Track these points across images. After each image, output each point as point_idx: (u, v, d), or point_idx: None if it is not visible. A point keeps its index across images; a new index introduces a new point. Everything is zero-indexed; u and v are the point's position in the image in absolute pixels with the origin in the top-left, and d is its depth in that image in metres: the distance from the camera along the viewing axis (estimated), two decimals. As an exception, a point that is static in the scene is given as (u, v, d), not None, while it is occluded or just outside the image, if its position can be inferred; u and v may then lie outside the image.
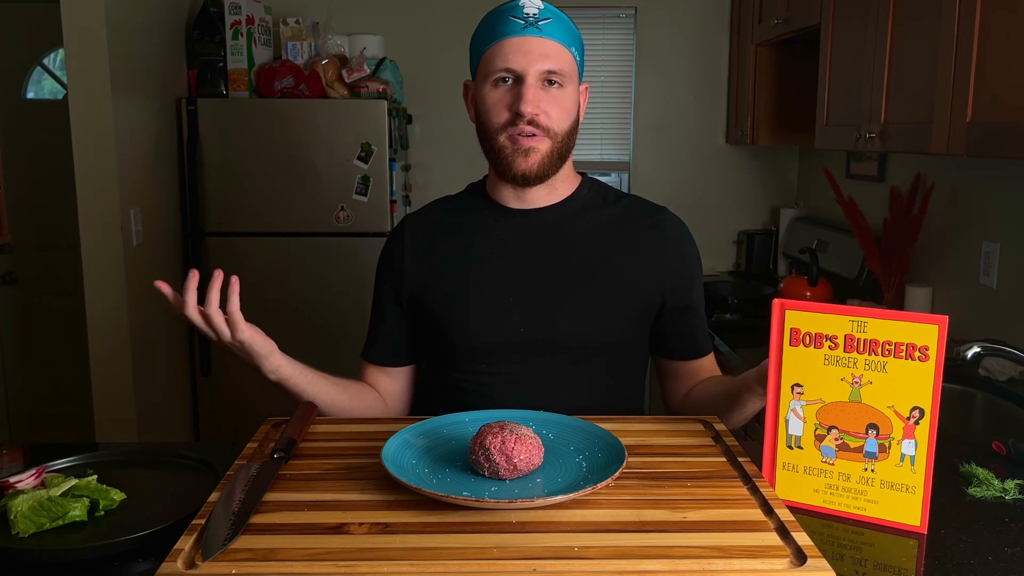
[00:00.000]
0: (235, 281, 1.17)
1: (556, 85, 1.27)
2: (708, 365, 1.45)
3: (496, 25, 1.28)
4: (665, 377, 1.47)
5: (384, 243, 1.47)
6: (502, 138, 1.28)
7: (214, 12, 3.09)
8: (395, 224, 3.05)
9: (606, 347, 1.35)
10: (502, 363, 1.33)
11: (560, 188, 1.37)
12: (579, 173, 1.42)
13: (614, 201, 1.40)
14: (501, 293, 1.33)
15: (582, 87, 1.35)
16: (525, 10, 1.26)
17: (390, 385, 1.45)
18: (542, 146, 1.27)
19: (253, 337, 1.20)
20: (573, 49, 1.30)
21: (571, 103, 1.30)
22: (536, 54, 1.25)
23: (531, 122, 1.25)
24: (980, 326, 2.18)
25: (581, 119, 1.35)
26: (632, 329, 1.37)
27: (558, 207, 1.37)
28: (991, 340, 1.50)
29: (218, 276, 1.17)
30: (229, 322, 1.18)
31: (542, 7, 1.28)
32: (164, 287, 1.18)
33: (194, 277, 1.17)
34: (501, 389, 1.33)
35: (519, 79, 1.25)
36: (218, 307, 1.17)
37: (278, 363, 1.25)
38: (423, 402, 1.48)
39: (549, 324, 1.31)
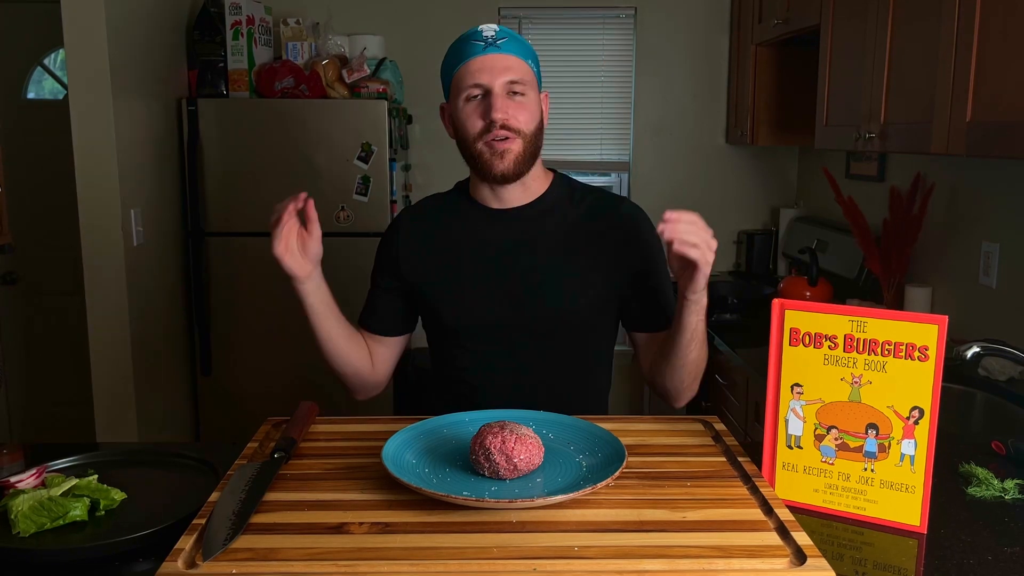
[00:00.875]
0: (304, 216, 1.35)
1: (519, 94, 1.43)
2: None
3: (461, 50, 1.47)
4: (638, 348, 1.57)
5: (383, 236, 1.62)
6: (480, 145, 1.44)
7: (214, 12, 3.09)
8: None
9: (577, 326, 1.49)
10: (485, 343, 1.49)
11: (533, 186, 1.52)
12: (550, 170, 1.57)
13: (580, 199, 1.54)
14: (485, 282, 1.48)
15: (542, 95, 1.50)
16: (484, 34, 1.45)
17: (381, 352, 1.59)
18: (514, 146, 1.43)
19: (283, 254, 1.36)
20: (530, 61, 1.48)
21: (535, 107, 1.46)
22: (499, 68, 1.42)
23: (503, 127, 1.41)
24: (980, 326, 2.18)
25: (545, 124, 1.50)
26: (599, 309, 1.51)
27: (530, 207, 1.51)
28: (991, 340, 1.50)
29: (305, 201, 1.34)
30: (286, 235, 1.34)
31: (498, 29, 1.46)
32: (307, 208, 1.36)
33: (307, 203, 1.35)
34: (488, 365, 1.49)
35: (487, 92, 1.42)
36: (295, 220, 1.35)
37: (306, 290, 1.46)
38: (423, 383, 1.58)
39: (527, 307, 1.46)
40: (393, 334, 1.59)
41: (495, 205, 1.52)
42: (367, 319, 1.60)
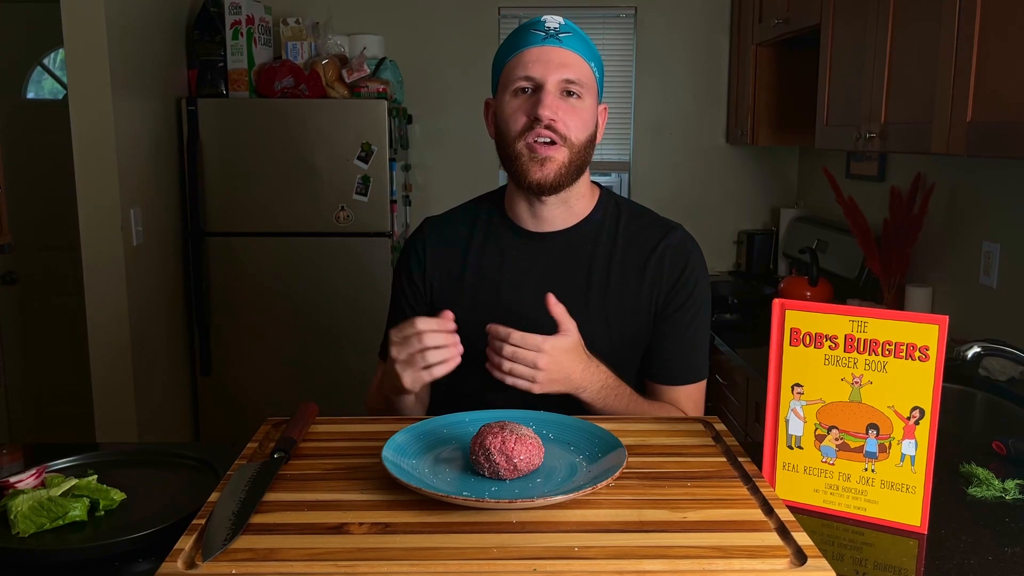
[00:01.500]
0: (455, 360, 1.19)
1: (575, 96, 1.28)
2: (675, 397, 1.39)
3: (518, 38, 1.31)
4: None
5: (404, 247, 1.48)
6: (520, 144, 1.28)
7: (214, 12, 3.09)
8: (397, 223, 3.00)
9: (615, 369, 1.34)
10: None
11: (576, 206, 1.37)
12: (595, 184, 1.42)
13: (626, 224, 1.39)
14: (515, 314, 1.33)
15: (601, 107, 1.36)
16: (547, 24, 1.29)
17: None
18: (559, 155, 1.28)
19: (416, 388, 1.22)
20: (592, 64, 1.32)
21: (589, 115, 1.31)
22: (556, 63, 1.27)
23: (548, 127, 1.26)
24: (980, 326, 2.18)
25: (599, 139, 1.35)
26: (637, 347, 1.38)
27: (572, 232, 1.37)
28: (991, 340, 1.50)
29: (452, 349, 1.18)
30: (418, 372, 1.19)
31: (563, 22, 1.30)
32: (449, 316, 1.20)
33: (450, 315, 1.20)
34: (510, 405, 1.34)
35: (538, 87, 1.27)
36: (434, 356, 1.18)
37: (408, 396, 1.30)
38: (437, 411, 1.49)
39: None
40: None
41: (533, 227, 1.37)
42: None
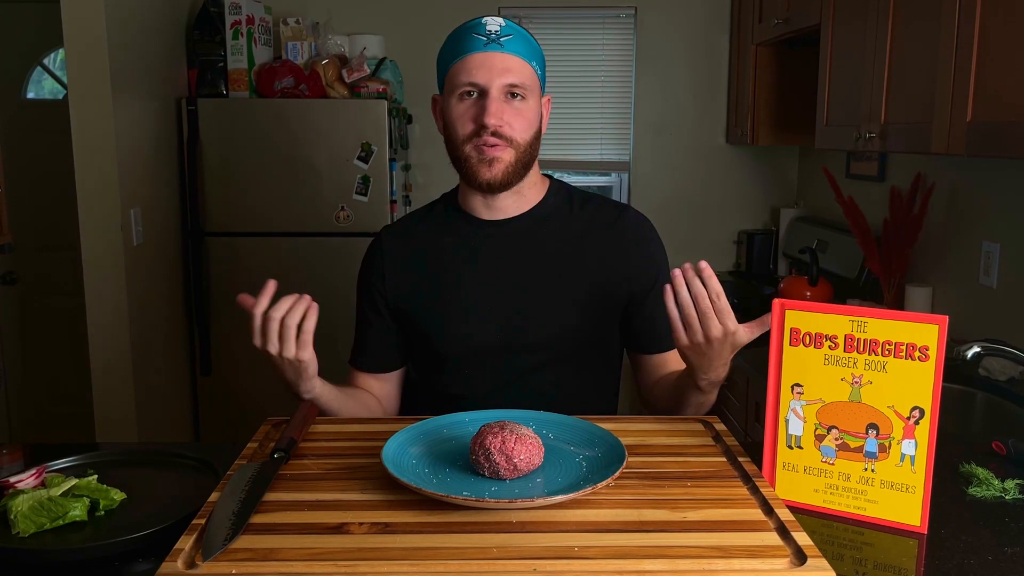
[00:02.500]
0: (314, 307, 1.21)
1: (518, 98, 1.33)
2: (675, 358, 1.44)
3: (461, 42, 1.35)
4: (635, 368, 1.50)
5: (364, 258, 1.51)
6: (468, 148, 1.34)
7: (214, 12, 3.09)
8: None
9: (578, 348, 1.40)
10: (482, 367, 1.39)
11: (528, 194, 1.42)
12: (546, 175, 1.47)
13: (580, 206, 1.44)
14: (478, 302, 1.38)
15: (544, 99, 1.41)
16: (488, 27, 1.33)
17: (383, 388, 1.50)
18: (506, 156, 1.33)
19: (312, 358, 1.23)
20: (534, 63, 1.36)
21: (533, 115, 1.36)
22: (499, 68, 1.31)
23: (494, 133, 1.31)
24: (980, 326, 2.18)
25: (544, 130, 1.41)
26: (602, 329, 1.43)
27: (526, 216, 1.42)
28: (991, 340, 1.51)
29: (304, 300, 1.20)
30: (300, 341, 1.20)
31: (503, 24, 1.35)
32: (247, 300, 1.21)
33: (273, 285, 1.21)
34: (483, 390, 1.39)
35: (483, 93, 1.32)
36: (294, 319, 1.19)
37: (316, 384, 1.29)
38: (411, 405, 1.53)
39: (523, 329, 1.37)
40: (392, 369, 1.49)
41: (487, 215, 1.41)
42: (361, 359, 1.49)
